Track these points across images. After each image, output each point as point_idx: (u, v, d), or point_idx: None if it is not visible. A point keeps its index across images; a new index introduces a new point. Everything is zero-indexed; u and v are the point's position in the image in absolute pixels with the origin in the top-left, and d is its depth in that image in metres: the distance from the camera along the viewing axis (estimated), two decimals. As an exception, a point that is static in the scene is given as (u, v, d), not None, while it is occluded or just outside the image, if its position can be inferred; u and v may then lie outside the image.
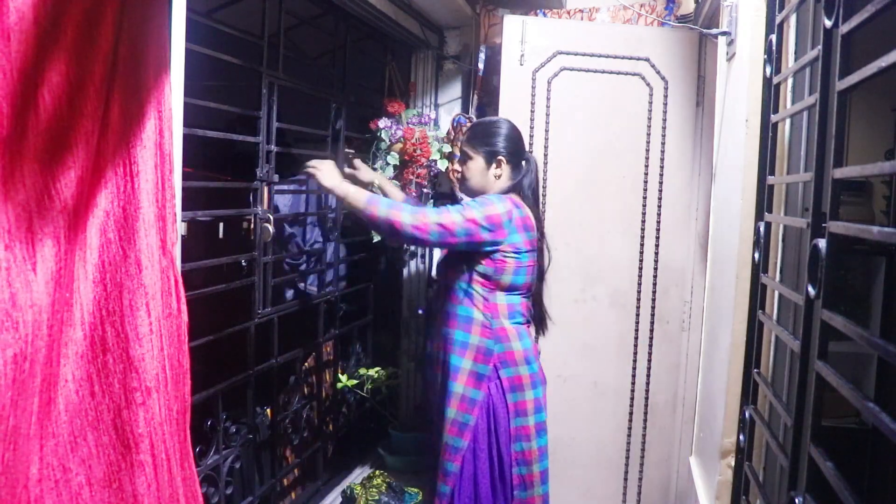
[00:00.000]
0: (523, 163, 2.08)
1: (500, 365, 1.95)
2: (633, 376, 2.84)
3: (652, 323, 2.83)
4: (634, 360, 2.84)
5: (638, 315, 2.83)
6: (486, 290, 1.96)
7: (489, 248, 1.91)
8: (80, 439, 1.05)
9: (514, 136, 2.07)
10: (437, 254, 3.17)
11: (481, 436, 1.94)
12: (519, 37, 2.76)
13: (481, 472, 1.94)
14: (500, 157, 2.02)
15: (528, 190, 2.06)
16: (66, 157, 0.98)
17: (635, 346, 2.84)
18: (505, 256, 1.93)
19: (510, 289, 1.98)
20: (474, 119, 3.05)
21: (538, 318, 2.13)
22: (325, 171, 1.92)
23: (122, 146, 1.11)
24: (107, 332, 1.09)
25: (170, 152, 1.20)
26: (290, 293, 2.89)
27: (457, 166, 2.08)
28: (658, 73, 2.74)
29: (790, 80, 1.63)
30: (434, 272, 2.30)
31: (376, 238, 2.97)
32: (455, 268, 2.00)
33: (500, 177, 2.03)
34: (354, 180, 2.16)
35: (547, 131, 2.79)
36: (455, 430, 1.94)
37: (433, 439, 2.09)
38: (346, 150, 2.22)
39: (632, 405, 2.85)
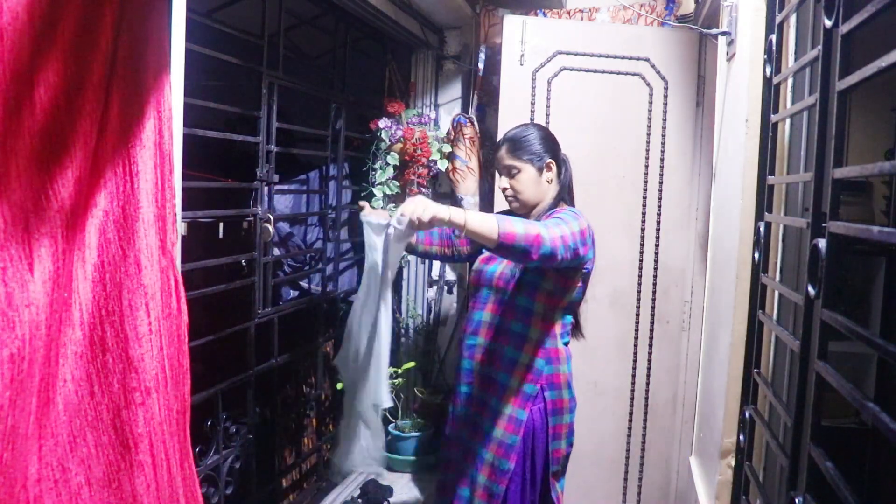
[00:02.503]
0: (562, 163, 2.00)
1: (547, 386, 1.88)
2: (633, 376, 2.84)
3: (652, 323, 2.83)
4: (634, 361, 2.84)
5: (638, 315, 2.83)
6: (547, 308, 1.86)
7: (575, 265, 1.81)
8: (79, 439, 1.05)
9: (552, 137, 1.99)
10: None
11: (518, 457, 1.86)
12: (519, 37, 2.76)
13: (512, 494, 1.86)
14: (549, 161, 1.93)
15: (568, 191, 1.99)
16: (63, 156, 0.98)
17: (635, 346, 2.84)
18: (577, 275, 1.86)
19: (569, 307, 1.92)
20: (474, 119, 3.04)
21: (577, 327, 2.04)
22: (421, 203, 1.59)
23: (122, 146, 1.11)
24: (106, 332, 1.09)
25: (169, 152, 1.20)
26: (290, 293, 2.89)
27: (503, 184, 1.94)
28: (658, 73, 2.74)
29: (790, 80, 1.63)
30: (469, 277, 2.09)
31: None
32: (515, 279, 1.88)
33: (551, 181, 1.95)
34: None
35: (547, 131, 2.79)
36: (502, 452, 1.85)
37: (451, 451, 2.01)
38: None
39: (632, 405, 2.85)
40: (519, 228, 1.60)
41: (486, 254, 2.00)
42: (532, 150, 1.92)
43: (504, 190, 1.95)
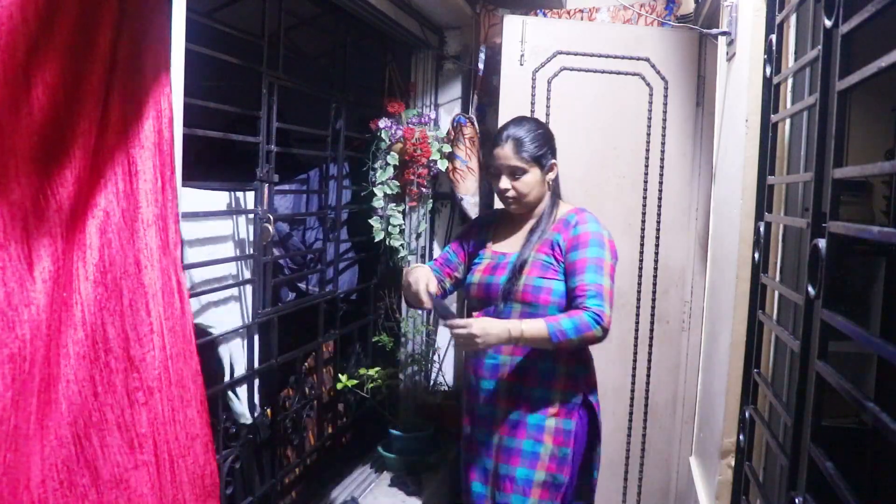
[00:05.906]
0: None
1: (588, 391, 1.85)
2: (633, 376, 2.84)
3: (652, 323, 2.83)
4: (634, 361, 2.84)
5: (638, 315, 2.83)
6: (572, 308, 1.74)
7: None
8: (84, 440, 1.05)
9: (551, 133, 1.92)
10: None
11: (569, 467, 1.82)
12: (519, 37, 2.76)
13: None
14: (553, 162, 1.88)
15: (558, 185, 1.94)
16: (62, 156, 0.98)
17: (635, 346, 2.84)
18: None
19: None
20: (474, 119, 3.04)
21: None
22: (483, 328, 1.66)
23: (121, 146, 1.11)
24: (108, 333, 1.09)
25: (170, 152, 1.20)
26: (289, 294, 2.89)
27: (503, 184, 1.83)
28: (658, 73, 2.74)
29: (790, 80, 1.63)
30: (474, 289, 1.91)
31: (377, 237, 2.97)
32: (546, 289, 1.78)
33: (552, 181, 1.90)
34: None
35: (547, 131, 2.79)
36: (555, 466, 1.78)
37: (470, 479, 1.91)
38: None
39: (632, 405, 2.85)
40: (572, 336, 1.66)
41: (483, 263, 1.89)
42: (539, 151, 1.84)
43: (505, 191, 1.84)
